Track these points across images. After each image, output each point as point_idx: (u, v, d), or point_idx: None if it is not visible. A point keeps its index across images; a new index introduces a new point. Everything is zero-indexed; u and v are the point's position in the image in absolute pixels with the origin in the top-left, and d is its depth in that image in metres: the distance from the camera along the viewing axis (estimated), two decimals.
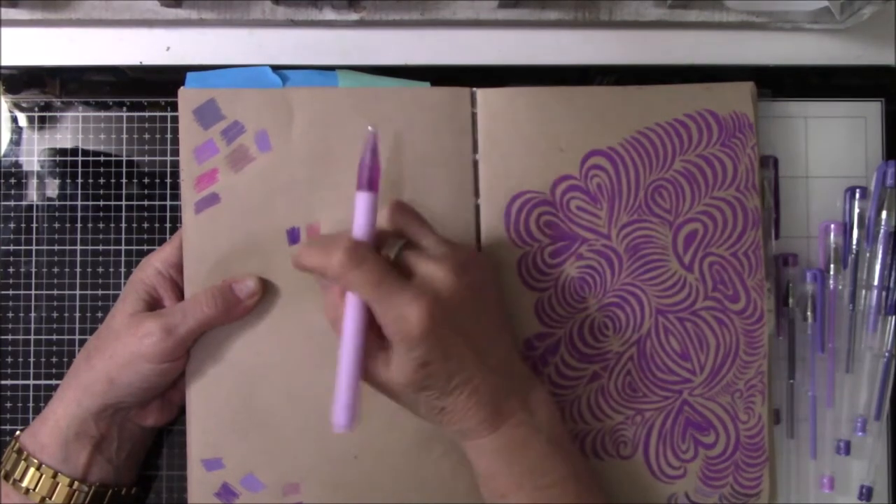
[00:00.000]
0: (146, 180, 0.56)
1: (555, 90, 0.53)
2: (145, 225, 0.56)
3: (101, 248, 0.56)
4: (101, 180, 0.56)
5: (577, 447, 0.52)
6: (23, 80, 0.57)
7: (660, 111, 0.53)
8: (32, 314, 0.56)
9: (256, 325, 0.51)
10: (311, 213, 0.51)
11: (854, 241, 0.56)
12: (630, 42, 0.57)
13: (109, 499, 0.51)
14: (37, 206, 0.56)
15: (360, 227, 0.44)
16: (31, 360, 0.56)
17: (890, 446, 0.57)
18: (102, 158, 0.56)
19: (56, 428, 0.49)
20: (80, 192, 0.56)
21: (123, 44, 0.56)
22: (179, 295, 0.51)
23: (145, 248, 0.56)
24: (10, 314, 0.56)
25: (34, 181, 0.56)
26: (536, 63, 0.57)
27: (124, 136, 0.57)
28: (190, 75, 0.52)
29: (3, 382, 0.56)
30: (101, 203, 0.56)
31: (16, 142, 0.57)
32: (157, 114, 0.57)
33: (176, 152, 0.56)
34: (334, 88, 0.52)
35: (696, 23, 0.56)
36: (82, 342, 0.55)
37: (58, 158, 0.56)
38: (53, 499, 0.49)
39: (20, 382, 0.56)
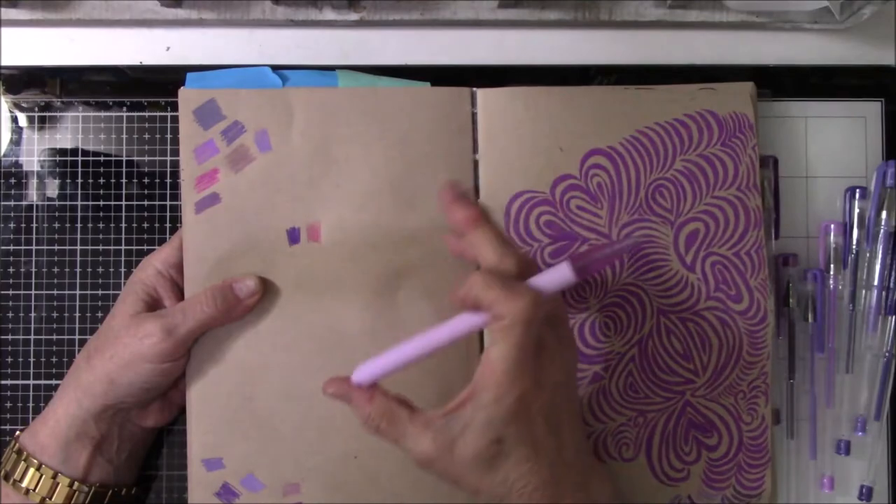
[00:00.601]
0: (146, 180, 0.56)
1: (555, 90, 0.53)
2: (145, 225, 0.56)
3: (101, 248, 0.56)
4: (101, 180, 0.56)
5: None
6: (23, 80, 0.57)
7: (660, 111, 0.53)
8: (32, 314, 0.56)
9: (257, 325, 0.51)
10: (311, 213, 0.51)
11: (854, 241, 0.56)
12: (630, 42, 0.57)
13: (109, 499, 0.51)
14: (37, 206, 0.56)
15: (545, 283, 0.43)
16: (31, 360, 0.56)
17: (890, 446, 0.57)
18: (102, 158, 0.56)
19: (56, 428, 0.49)
20: (80, 192, 0.56)
21: (123, 44, 0.56)
22: (179, 295, 0.51)
23: (145, 248, 0.56)
24: (10, 314, 0.56)
25: (34, 181, 0.56)
26: (536, 63, 0.57)
27: (124, 136, 0.56)
28: (190, 75, 0.52)
29: (3, 382, 0.56)
30: (101, 203, 0.56)
31: (16, 142, 0.57)
32: (157, 114, 0.56)
33: (176, 152, 0.56)
34: (334, 88, 0.52)
35: (696, 23, 0.56)
36: (82, 342, 0.55)
37: (58, 158, 0.56)
38: (53, 499, 0.49)
39: (20, 382, 0.56)
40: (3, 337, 0.56)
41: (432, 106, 0.52)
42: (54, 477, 0.49)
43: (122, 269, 0.56)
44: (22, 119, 0.57)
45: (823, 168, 0.58)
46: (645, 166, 0.53)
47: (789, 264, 0.56)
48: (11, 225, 0.56)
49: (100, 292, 0.56)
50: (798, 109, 0.58)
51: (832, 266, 0.56)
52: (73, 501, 0.49)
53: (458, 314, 0.41)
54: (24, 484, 0.49)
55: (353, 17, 0.55)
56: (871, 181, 0.57)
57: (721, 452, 0.53)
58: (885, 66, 0.58)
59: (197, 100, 0.51)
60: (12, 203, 0.56)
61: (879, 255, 0.55)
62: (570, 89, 0.53)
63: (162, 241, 0.55)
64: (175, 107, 0.53)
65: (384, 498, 0.51)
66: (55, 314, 0.56)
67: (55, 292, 0.56)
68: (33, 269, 0.56)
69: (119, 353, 0.48)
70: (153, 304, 0.51)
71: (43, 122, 0.57)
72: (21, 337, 0.56)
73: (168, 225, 0.56)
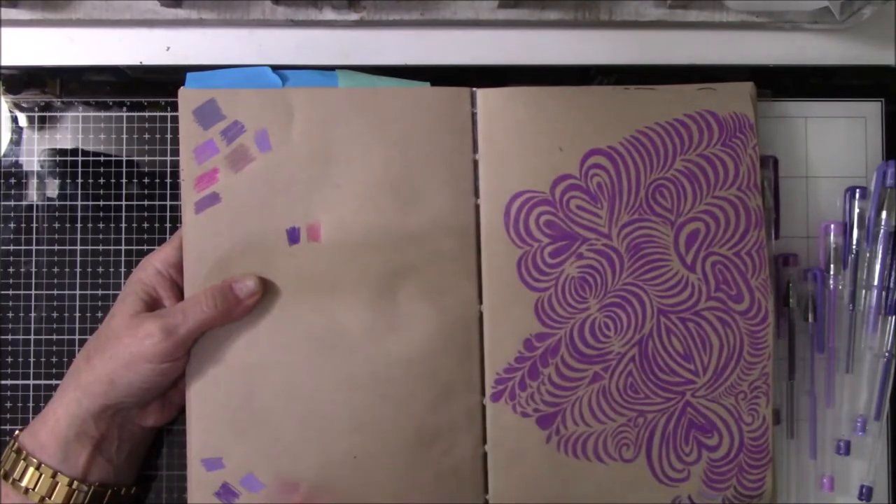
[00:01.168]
0: (146, 180, 0.56)
1: (554, 90, 0.53)
2: (145, 225, 0.56)
3: (101, 248, 0.56)
4: (101, 180, 0.56)
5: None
6: (23, 80, 0.57)
7: (660, 111, 0.53)
8: (32, 314, 0.56)
9: (257, 325, 0.51)
10: (310, 213, 0.51)
11: (854, 241, 0.56)
12: (630, 42, 0.57)
13: (109, 498, 0.51)
14: (37, 206, 0.56)
15: None
16: (31, 360, 0.56)
17: (890, 446, 0.57)
18: (102, 158, 0.56)
19: (56, 428, 0.49)
20: (80, 192, 0.56)
21: (123, 44, 0.56)
22: (179, 295, 0.51)
23: (145, 248, 0.56)
24: (10, 314, 0.56)
25: (34, 181, 0.56)
26: (536, 63, 0.57)
27: (124, 136, 0.57)
28: (190, 75, 0.52)
29: (3, 382, 0.56)
30: (101, 203, 0.56)
31: (16, 142, 0.57)
32: (157, 114, 0.56)
33: (176, 152, 0.56)
34: (334, 88, 0.52)
35: (696, 23, 0.56)
36: (82, 342, 0.55)
37: (58, 158, 0.56)
38: (53, 498, 0.49)
39: (20, 382, 0.56)
40: (3, 337, 0.56)
41: (432, 106, 0.52)
42: (54, 476, 0.49)
43: (122, 269, 0.56)
44: (22, 119, 0.57)
45: (823, 168, 0.58)
46: (645, 166, 0.53)
47: (789, 264, 0.56)
48: (11, 225, 0.56)
49: (100, 292, 0.56)
50: (798, 109, 0.58)
51: (832, 266, 0.56)
52: (72, 501, 0.49)
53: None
54: (24, 483, 0.49)
55: (353, 17, 0.55)
56: (871, 181, 0.57)
57: (722, 453, 0.53)
58: (885, 66, 0.58)
59: (197, 100, 0.51)
60: (12, 203, 0.56)
61: (879, 255, 0.55)
62: (570, 89, 0.53)
63: (162, 241, 0.55)
64: (175, 107, 0.53)
65: (384, 498, 0.51)
66: (55, 314, 0.56)
67: (55, 292, 0.56)
68: (33, 269, 0.56)
69: (119, 354, 0.48)
70: (153, 304, 0.51)
71: (43, 122, 0.57)
72: (21, 337, 0.56)
73: (168, 225, 0.56)
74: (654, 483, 0.52)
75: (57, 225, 0.56)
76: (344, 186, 0.51)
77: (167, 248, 0.52)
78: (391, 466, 0.51)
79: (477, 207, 0.52)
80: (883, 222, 0.55)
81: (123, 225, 0.56)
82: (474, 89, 0.53)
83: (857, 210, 0.56)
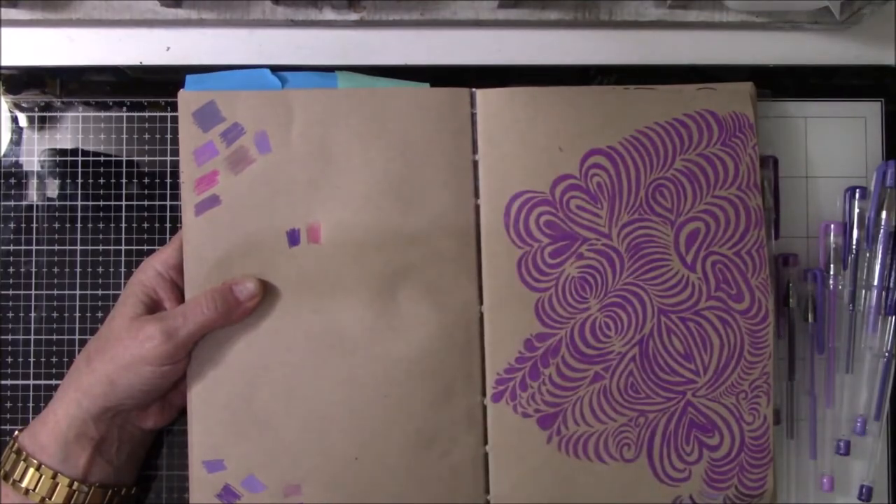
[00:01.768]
0: (146, 180, 0.56)
1: (554, 90, 0.53)
2: (145, 225, 0.56)
3: (101, 248, 0.56)
4: (101, 180, 0.56)
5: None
6: (23, 80, 0.57)
7: (660, 111, 0.53)
8: (32, 314, 0.56)
9: (257, 327, 0.51)
10: (311, 215, 0.51)
11: (854, 241, 0.56)
12: (630, 42, 0.57)
13: (109, 499, 0.51)
14: (37, 206, 0.56)
15: None
16: (31, 360, 0.56)
17: (890, 446, 0.57)
18: (102, 158, 0.56)
19: (56, 429, 0.49)
20: (80, 192, 0.56)
21: (123, 44, 0.56)
22: (180, 297, 0.51)
23: (145, 248, 0.56)
24: (10, 314, 0.56)
25: (34, 181, 0.56)
26: (536, 63, 0.57)
27: (124, 136, 0.56)
28: (189, 77, 0.52)
29: (3, 382, 0.56)
30: (101, 203, 0.56)
31: (16, 142, 0.56)
32: (157, 114, 0.56)
33: (176, 152, 0.56)
34: (334, 90, 0.52)
35: (696, 23, 0.56)
36: (82, 342, 0.55)
37: (58, 158, 0.56)
38: (53, 499, 0.49)
39: (20, 382, 0.56)
40: (3, 337, 0.56)
41: (432, 106, 0.52)
42: (54, 477, 0.49)
43: (122, 270, 0.56)
44: (22, 119, 0.57)
45: (823, 168, 0.58)
46: (645, 166, 0.53)
47: (789, 264, 0.56)
48: (11, 225, 0.56)
49: (100, 292, 0.56)
50: (798, 109, 0.58)
51: (832, 266, 0.56)
52: (72, 501, 0.49)
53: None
54: (24, 484, 0.49)
55: (353, 17, 0.55)
56: (871, 181, 0.57)
57: (722, 452, 0.53)
58: (885, 66, 0.58)
59: (196, 102, 0.51)
60: (12, 203, 0.56)
61: (879, 255, 0.55)
62: (569, 89, 0.53)
63: (162, 242, 0.55)
64: (175, 107, 0.53)
65: (384, 498, 0.51)
66: (55, 314, 0.56)
67: (55, 292, 0.56)
68: (33, 269, 0.56)
69: (119, 356, 0.48)
70: (153, 306, 0.51)
71: (43, 122, 0.57)
72: (21, 337, 0.56)
73: (168, 225, 0.56)
74: (655, 483, 0.52)
75: (57, 225, 0.56)
76: (344, 187, 0.51)
77: (167, 250, 0.52)
78: (392, 467, 0.51)
79: (477, 208, 0.52)
80: (883, 222, 0.55)
81: (123, 225, 0.56)
82: (474, 90, 0.53)
83: (856, 210, 0.56)
